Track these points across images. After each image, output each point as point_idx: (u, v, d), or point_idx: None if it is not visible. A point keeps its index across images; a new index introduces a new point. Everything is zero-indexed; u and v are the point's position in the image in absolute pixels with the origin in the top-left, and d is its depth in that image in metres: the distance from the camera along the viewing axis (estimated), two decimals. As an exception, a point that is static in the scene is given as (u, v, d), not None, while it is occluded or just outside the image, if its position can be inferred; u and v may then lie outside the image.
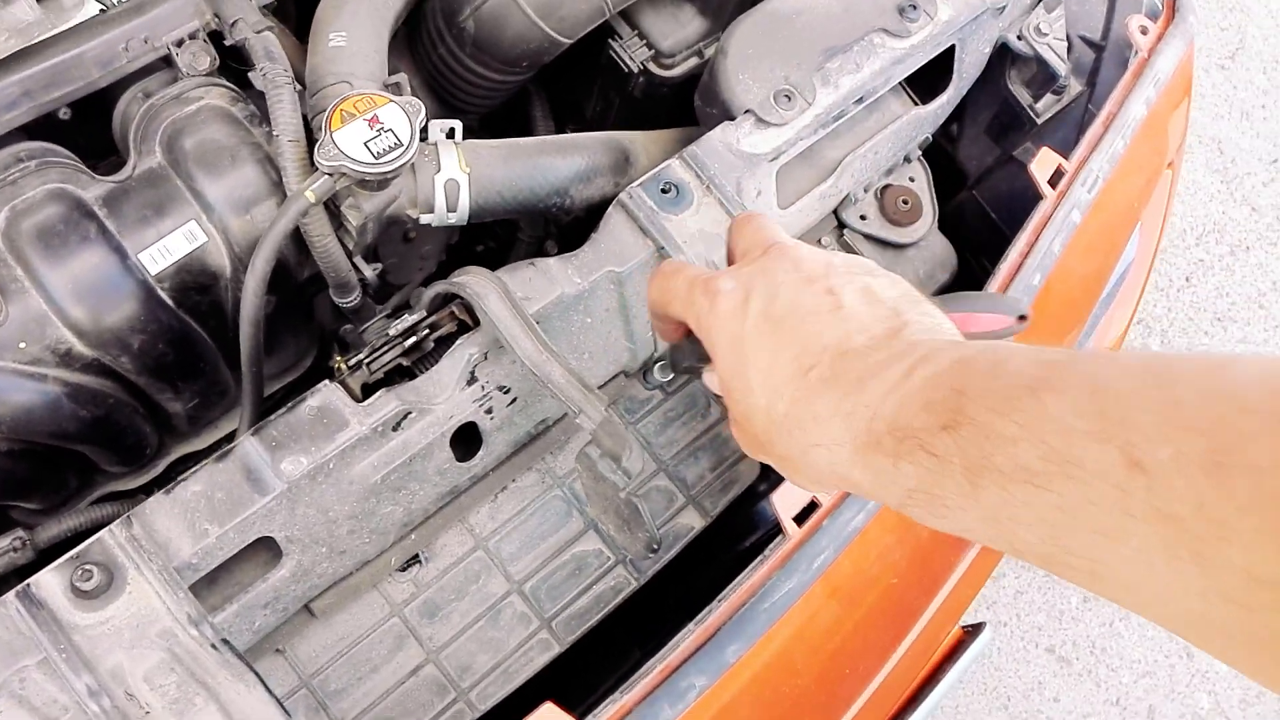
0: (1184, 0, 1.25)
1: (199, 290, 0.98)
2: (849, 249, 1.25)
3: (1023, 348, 0.49)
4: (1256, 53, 2.95)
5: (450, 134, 0.99)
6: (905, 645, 1.11)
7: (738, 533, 1.15)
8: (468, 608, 1.01)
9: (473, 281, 0.90)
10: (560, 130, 1.40)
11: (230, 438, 1.14)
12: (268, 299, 1.01)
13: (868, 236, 1.24)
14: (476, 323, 0.94)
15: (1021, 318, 0.71)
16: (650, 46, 1.21)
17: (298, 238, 0.98)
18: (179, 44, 0.97)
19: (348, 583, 0.98)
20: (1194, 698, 2.30)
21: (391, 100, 0.93)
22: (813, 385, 0.57)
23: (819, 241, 1.24)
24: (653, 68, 1.21)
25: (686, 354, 0.76)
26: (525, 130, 1.36)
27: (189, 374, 1.04)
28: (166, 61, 0.98)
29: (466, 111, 1.24)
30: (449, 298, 0.93)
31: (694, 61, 1.23)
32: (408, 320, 0.91)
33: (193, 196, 0.96)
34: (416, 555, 1.01)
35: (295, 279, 1.03)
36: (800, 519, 0.95)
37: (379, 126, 0.91)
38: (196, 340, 1.01)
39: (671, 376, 1.13)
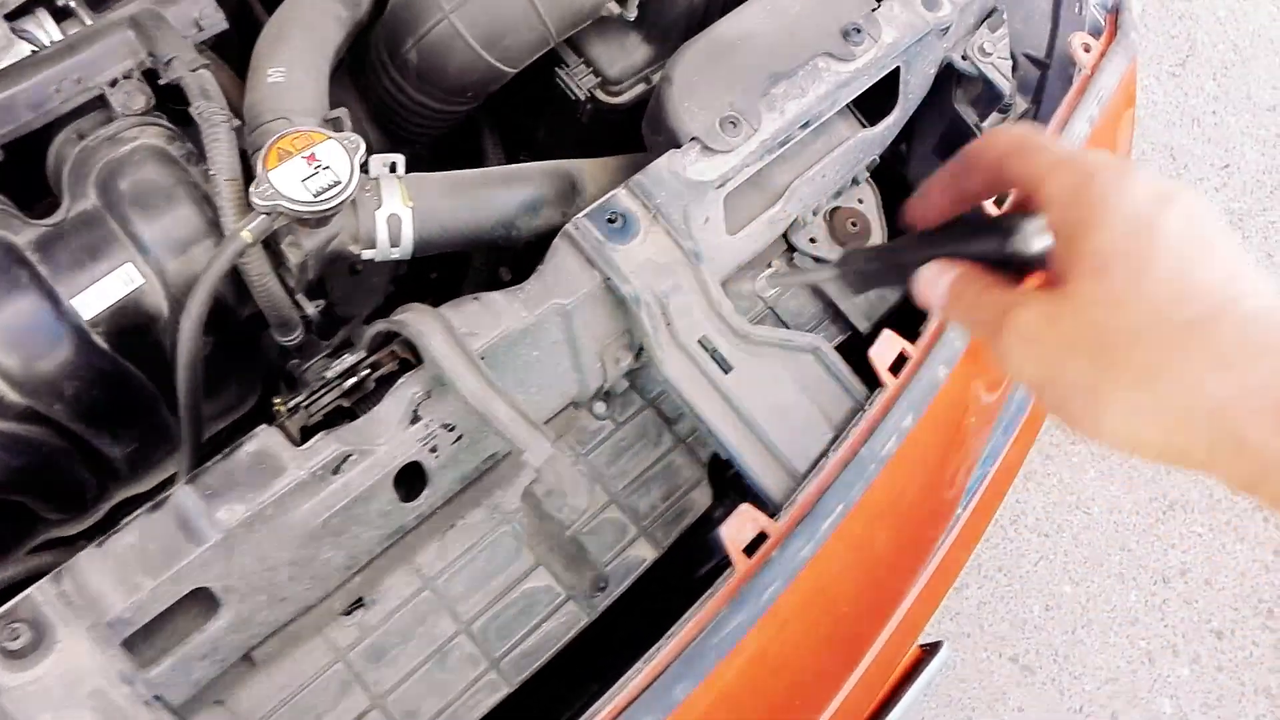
0: (1126, 17, 1.26)
1: (136, 333, 0.96)
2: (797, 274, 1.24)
3: None
4: (1206, 59, 2.99)
5: (392, 168, 0.98)
6: (860, 670, 1.11)
7: (693, 560, 1.14)
8: (415, 650, 1.00)
9: (414, 319, 0.89)
10: (513, 157, 1.39)
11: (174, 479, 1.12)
12: (206, 340, 1.00)
13: (817, 259, 1.23)
14: (420, 360, 0.93)
15: None
16: (597, 74, 1.20)
17: (237, 277, 0.96)
18: (113, 84, 0.95)
19: (290, 629, 0.96)
20: (1156, 703, 2.31)
21: (330, 137, 0.91)
22: (1244, 310, 0.48)
23: (768, 265, 1.24)
24: (600, 95, 1.21)
25: (926, 245, 0.62)
26: (476, 159, 1.35)
27: (127, 419, 1.02)
28: (101, 101, 0.96)
29: (413, 141, 1.23)
30: (390, 336, 0.91)
31: (642, 88, 1.23)
32: (347, 361, 0.90)
33: (128, 238, 0.94)
34: (361, 598, 1.00)
35: (235, 318, 1.01)
36: (750, 550, 0.95)
37: (317, 164, 0.90)
38: (134, 384, 0.99)
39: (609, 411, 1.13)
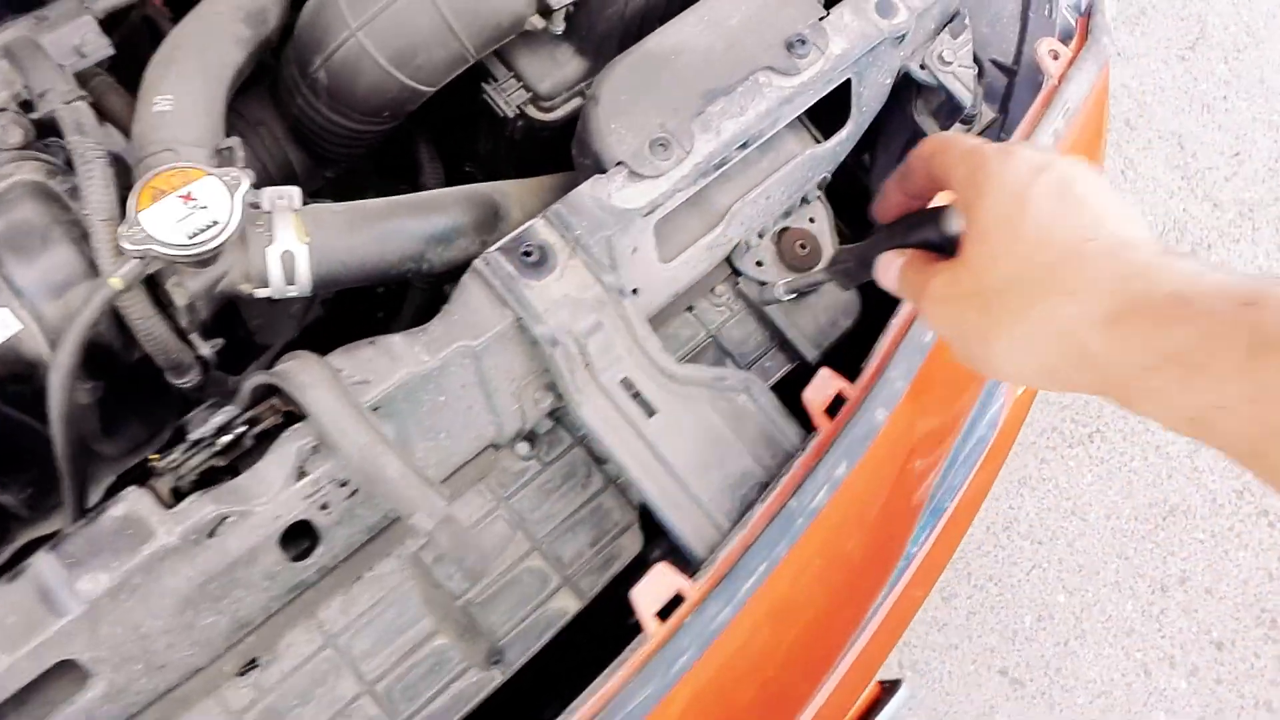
0: (1098, 20, 1.17)
1: (17, 380, 0.91)
2: (745, 298, 1.17)
3: None
4: (1217, 42, 2.86)
5: (284, 200, 0.91)
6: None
7: (623, 608, 1.07)
8: (313, 713, 0.94)
9: (295, 370, 0.83)
10: (455, 170, 1.32)
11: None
12: (95, 385, 0.94)
13: (764, 284, 1.16)
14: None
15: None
16: (528, 89, 1.13)
17: (121, 320, 0.90)
18: (-15, 116, 0.89)
19: (175, 694, 0.91)
20: (1152, 717, 2.24)
21: (208, 174, 0.85)
22: (1092, 251, 0.57)
23: (711, 290, 1.17)
24: (531, 111, 1.13)
25: (875, 245, 0.75)
26: (413, 173, 1.28)
27: (16, 466, 0.96)
28: (-27, 134, 0.90)
29: (335, 161, 1.16)
30: (273, 389, 0.85)
31: (576, 103, 1.15)
32: (220, 418, 0.83)
33: (3, 282, 0.88)
34: (255, 659, 0.94)
35: (124, 361, 0.95)
36: (665, 613, 0.88)
37: (193, 203, 0.84)
38: (20, 431, 0.94)
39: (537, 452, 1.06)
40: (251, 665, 0.95)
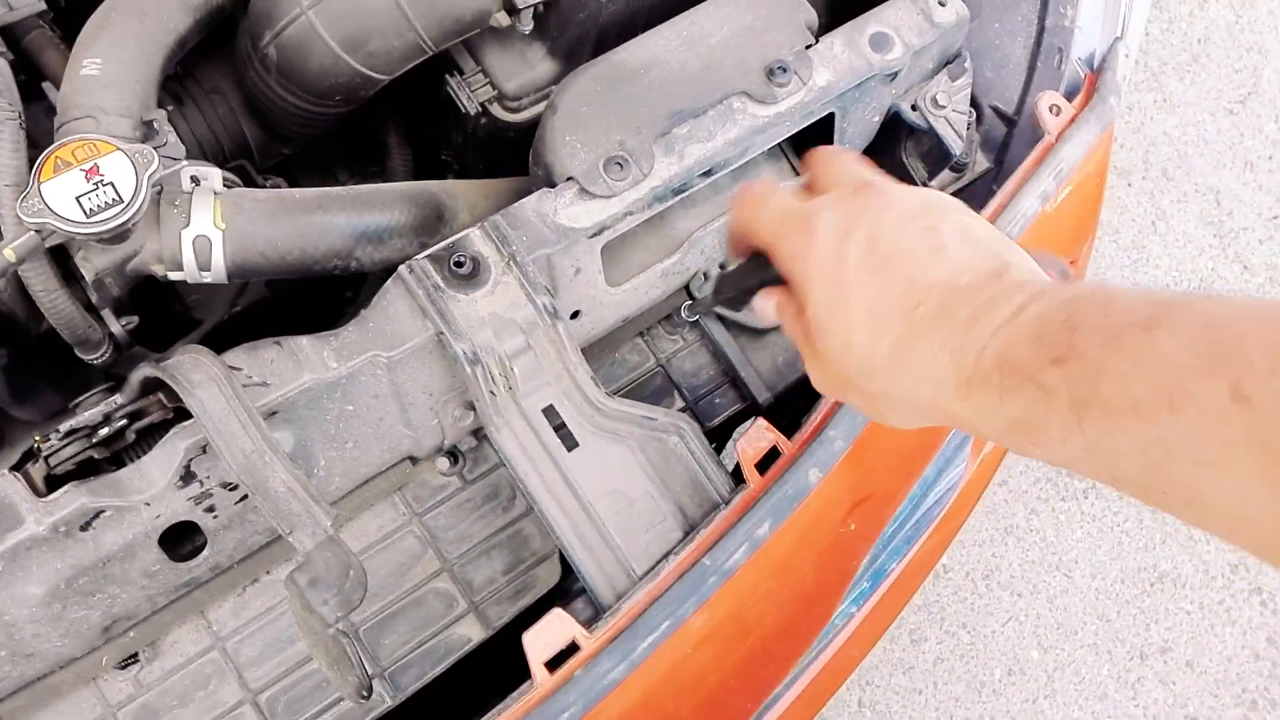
0: (1107, 79, 1.10)
1: (-88, 339, 0.87)
2: (703, 331, 1.11)
3: (1132, 289, 0.51)
4: (1270, 99, 2.76)
5: (194, 181, 0.87)
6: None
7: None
8: (190, 717, 0.90)
9: (185, 366, 0.78)
10: (434, 157, 1.27)
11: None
12: (-4, 352, 0.90)
13: (723, 319, 1.10)
14: (202, 410, 0.82)
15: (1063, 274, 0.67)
16: (494, 87, 1.08)
17: (25, 290, 0.86)
18: (-101, 63, 0.85)
19: (46, 683, 0.87)
20: (1113, 787, 2.17)
21: (118, 149, 0.80)
22: (919, 323, 0.57)
23: (666, 318, 1.11)
24: (495, 110, 1.08)
25: (743, 276, 0.73)
26: (381, 154, 1.24)
27: (-86, 424, 0.93)
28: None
29: (292, 138, 1.12)
30: (161, 382, 0.81)
31: (544, 106, 1.09)
32: (102, 408, 0.79)
33: (-100, 236, 0.84)
34: (135, 654, 0.90)
35: (30, 332, 0.91)
36: (555, 663, 0.84)
37: (97, 179, 0.79)
38: (-82, 390, 0.90)
39: (466, 465, 1.01)
40: (133, 659, 0.91)
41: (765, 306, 0.71)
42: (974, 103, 1.13)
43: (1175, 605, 2.35)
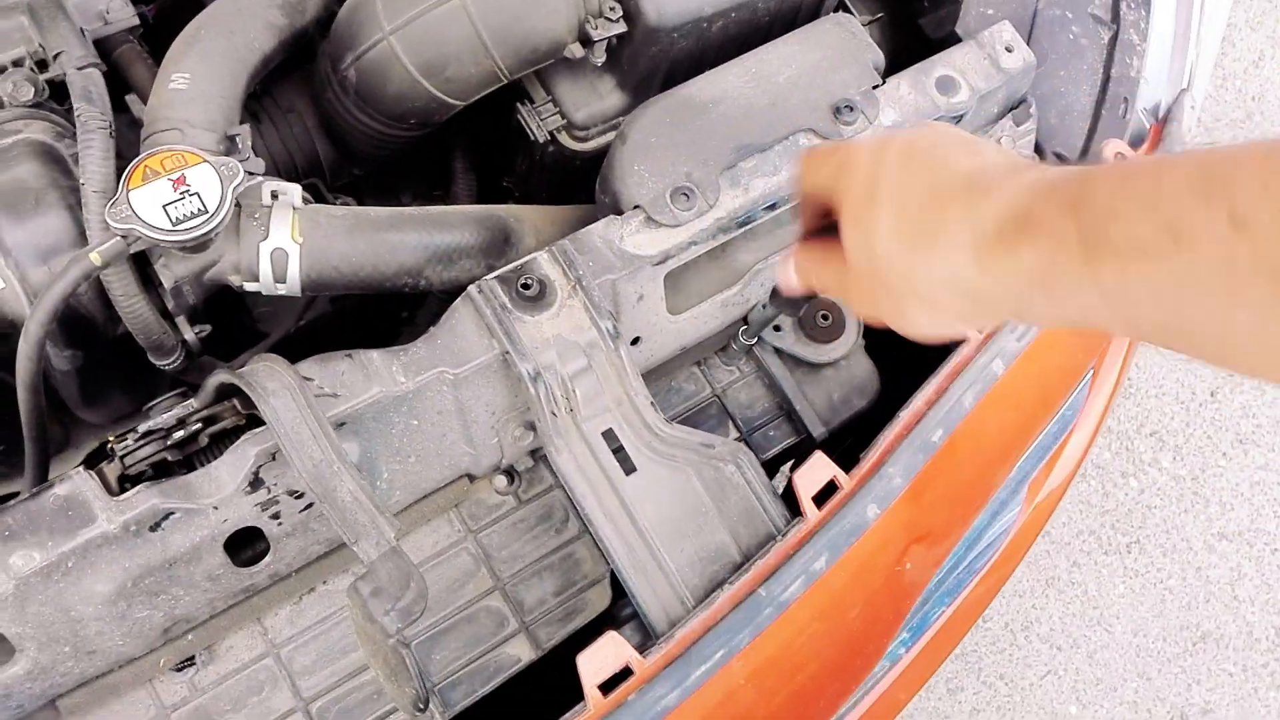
0: (1173, 129, 1.11)
1: (-5, 337, 0.90)
2: (759, 363, 1.12)
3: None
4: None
5: (274, 196, 0.89)
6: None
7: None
8: (242, 723, 0.91)
9: (260, 374, 0.80)
10: (489, 184, 1.29)
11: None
12: (73, 354, 0.93)
13: (779, 351, 1.11)
14: (271, 417, 0.84)
15: None
16: (563, 116, 1.10)
17: (105, 294, 0.89)
18: (0, 71, 0.88)
19: (105, 681, 0.89)
20: None
21: (205, 160, 0.83)
22: (944, 198, 0.58)
23: (723, 349, 1.12)
24: (564, 139, 1.10)
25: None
26: (446, 179, 1.26)
27: (-11, 420, 0.95)
28: (-9, 87, 0.90)
29: (364, 159, 1.14)
30: (235, 388, 0.82)
31: (610, 136, 1.11)
32: (177, 411, 0.81)
33: (-8, 237, 0.87)
34: (192, 657, 0.91)
35: (106, 335, 0.93)
36: (609, 686, 0.84)
37: (184, 189, 0.82)
38: (-5, 387, 0.93)
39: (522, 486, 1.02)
40: (189, 662, 0.92)
41: (784, 271, 0.75)
42: (1038, 148, 1.14)
43: (1218, 666, 2.30)
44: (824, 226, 0.71)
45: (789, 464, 1.23)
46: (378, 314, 1.27)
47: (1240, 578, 2.36)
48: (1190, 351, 0.48)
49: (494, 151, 1.27)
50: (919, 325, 0.65)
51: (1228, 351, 0.46)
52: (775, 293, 0.87)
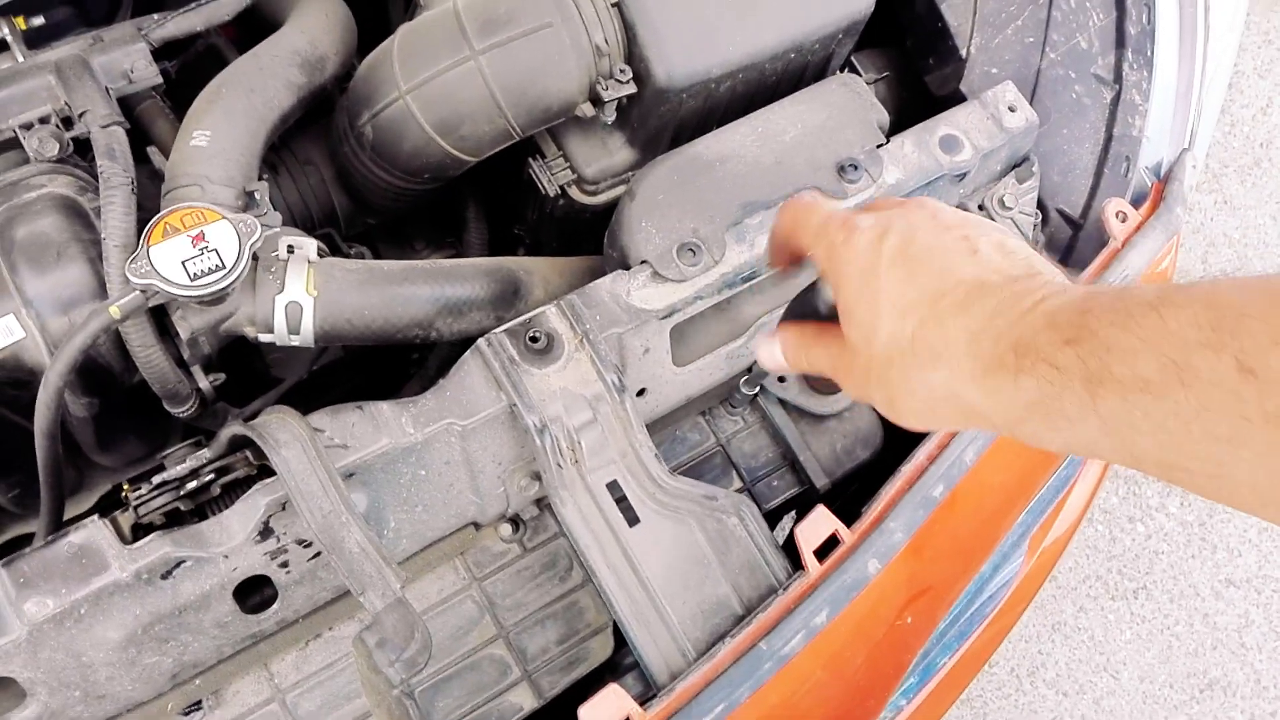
0: (1174, 189, 1.12)
1: (15, 385, 0.92)
2: (763, 414, 1.14)
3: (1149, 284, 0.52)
4: (1333, 206, 2.75)
5: (290, 250, 0.91)
6: None
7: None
8: (246, 769, 0.92)
9: (272, 426, 0.82)
10: (500, 232, 1.31)
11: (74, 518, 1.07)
12: (90, 401, 0.95)
13: (783, 401, 1.12)
14: (280, 468, 0.86)
15: None
16: (574, 170, 1.12)
17: (123, 343, 0.91)
18: (28, 127, 0.91)
19: (112, 725, 0.90)
20: None
21: (224, 217, 0.85)
22: (944, 310, 0.59)
23: (727, 400, 1.13)
24: (574, 193, 1.12)
25: (797, 310, 0.76)
26: (458, 227, 1.28)
27: (6, 466, 0.97)
28: (17, 143, 0.92)
29: (378, 211, 1.17)
30: (248, 440, 0.84)
31: (619, 191, 1.14)
32: (190, 462, 0.83)
33: (15, 289, 0.89)
34: (199, 701, 0.92)
35: (122, 384, 0.95)
36: (610, 737, 0.85)
37: (203, 245, 0.84)
38: (13, 433, 0.95)
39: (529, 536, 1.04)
40: (196, 707, 0.93)
41: (769, 351, 0.75)
42: (1040, 205, 1.16)
43: (1225, 714, 2.29)
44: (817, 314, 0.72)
45: (791, 513, 1.24)
46: (388, 359, 1.29)
47: (1248, 625, 2.35)
48: (1190, 486, 0.48)
49: (505, 200, 1.29)
50: (910, 422, 0.65)
51: (1227, 489, 0.46)
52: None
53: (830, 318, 0.69)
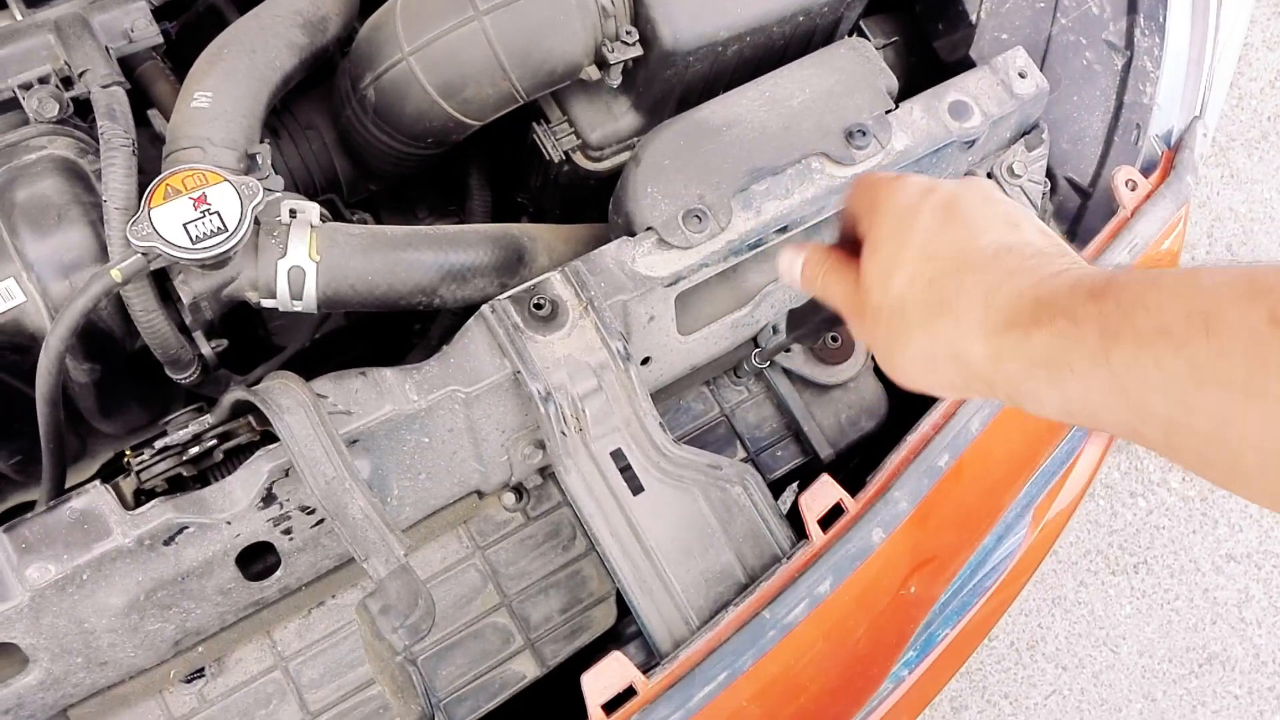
0: (1185, 157, 1.11)
1: (16, 350, 0.91)
2: (768, 384, 1.13)
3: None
4: (1340, 181, 2.73)
5: (292, 214, 0.90)
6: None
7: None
8: (249, 735, 0.92)
9: (275, 392, 0.81)
10: (504, 199, 1.30)
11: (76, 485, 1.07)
12: (92, 368, 0.94)
13: (788, 371, 1.12)
14: (284, 434, 0.85)
15: None
16: (578, 136, 1.11)
17: (125, 308, 0.90)
18: (27, 88, 0.89)
19: (116, 691, 0.90)
20: None
21: (226, 180, 0.84)
22: (967, 265, 0.59)
23: (733, 369, 1.13)
24: (578, 158, 1.11)
25: (816, 309, 0.76)
26: (461, 194, 1.27)
27: (8, 432, 0.97)
28: (16, 103, 0.91)
29: (381, 176, 1.16)
30: (250, 405, 0.83)
31: (624, 157, 1.12)
32: (193, 428, 0.82)
33: (15, 253, 0.88)
34: (202, 669, 0.92)
35: (124, 349, 0.94)
36: (613, 705, 0.84)
37: (205, 208, 0.83)
38: (15, 399, 0.94)
39: (535, 504, 1.03)
40: (199, 674, 0.93)
41: (789, 263, 0.73)
42: (1050, 173, 1.14)
43: (1223, 689, 2.30)
44: (849, 240, 0.71)
45: (794, 485, 1.23)
46: (391, 326, 1.28)
47: (1248, 600, 2.36)
48: (1187, 446, 0.47)
49: (509, 167, 1.28)
50: (905, 375, 0.64)
51: (1229, 451, 0.45)
52: (792, 320, 0.87)
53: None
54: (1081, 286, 0.52)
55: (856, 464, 1.18)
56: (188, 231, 0.82)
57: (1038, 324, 0.53)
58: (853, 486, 0.95)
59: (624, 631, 1.06)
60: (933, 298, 0.59)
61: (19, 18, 0.93)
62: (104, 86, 0.87)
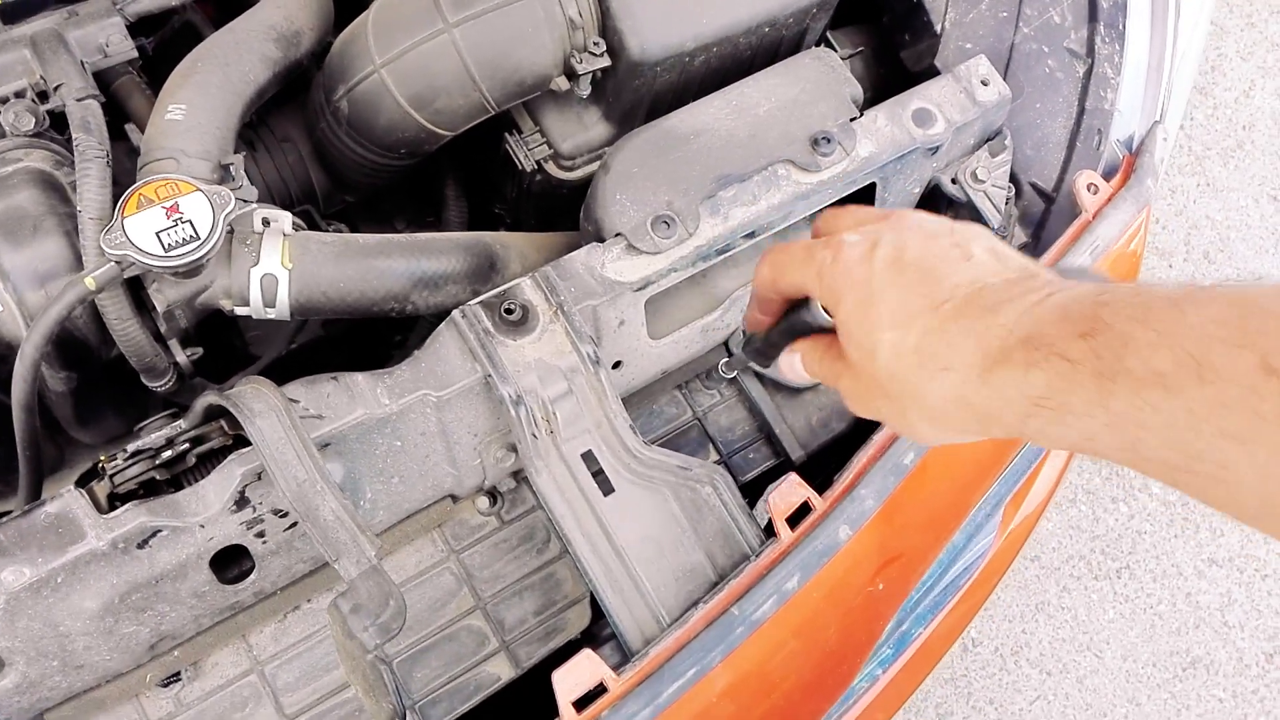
0: (1145, 161, 1.13)
1: (-8, 358, 0.92)
2: (740, 387, 1.15)
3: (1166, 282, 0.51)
4: (1315, 188, 2.77)
5: (265, 223, 0.92)
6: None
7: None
8: (226, 739, 0.93)
9: (247, 395, 0.82)
10: (487, 208, 1.32)
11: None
12: (67, 375, 0.95)
13: (759, 375, 1.13)
14: (256, 438, 0.86)
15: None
16: (550, 146, 1.12)
17: (100, 317, 0.91)
18: (3, 101, 0.91)
19: (92, 695, 0.90)
20: None
21: (198, 189, 0.86)
22: (946, 315, 0.58)
23: (709, 372, 1.14)
24: (550, 168, 1.13)
25: (771, 340, 0.76)
26: (438, 205, 1.29)
27: (-16, 439, 0.98)
28: (-7, 117, 0.93)
29: (356, 188, 1.17)
30: (223, 409, 0.85)
31: (596, 166, 1.14)
32: (166, 431, 0.83)
33: (-9, 262, 0.90)
34: (178, 673, 0.93)
35: (100, 358, 0.96)
36: (583, 703, 0.86)
37: (177, 216, 0.85)
38: (-9, 407, 0.95)
39: (507, 506, 1.04)
40: (175, 678, 0.94)
41: (790, 364, 0.73)
42: (1013, 179, 1.17)
43: (1207, 692, 2.31)
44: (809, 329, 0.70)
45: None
46: (370, 338, 1.30)
47: (1230, 603, 2.37)
48: (1191, 489, 0.47)
49: (485, 178, 1.30)
50: (922, 435, 0.63)
51: (1229, 492, 0.45)
52: (747, 341, 0.88)
53: (827, 329, 0.68)
54: (1071, 319, 0.51)
55: (830, 465, 1.19)
56: (160, 240, 0.83)
57: (1032, 364, 0.52)
58: (823, 488, 0.97)
59: (599, 634, 1.07)
60: (925, 360, 0.58)
61: (-5, 34, 0.94)
62: (79, 100, 0.89)
